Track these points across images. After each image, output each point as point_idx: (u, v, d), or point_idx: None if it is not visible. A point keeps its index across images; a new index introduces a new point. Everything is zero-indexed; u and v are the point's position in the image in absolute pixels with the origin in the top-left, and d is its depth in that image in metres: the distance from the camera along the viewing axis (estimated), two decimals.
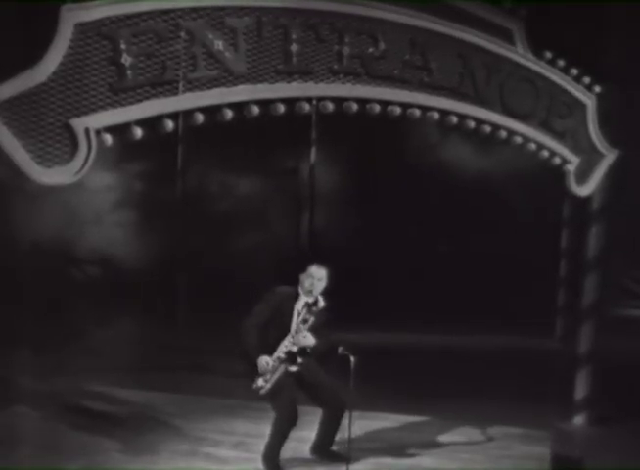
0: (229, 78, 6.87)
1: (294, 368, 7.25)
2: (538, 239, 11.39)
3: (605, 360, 8.94)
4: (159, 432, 8.22)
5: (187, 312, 12.05)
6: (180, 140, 11.55)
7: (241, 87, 6.92)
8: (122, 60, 6.44)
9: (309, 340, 7.24)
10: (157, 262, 11.36)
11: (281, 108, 7.12)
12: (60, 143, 6.31)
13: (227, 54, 6.82)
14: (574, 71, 8.41)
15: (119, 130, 6.52)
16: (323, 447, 7.62)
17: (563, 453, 7.74)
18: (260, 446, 7.39)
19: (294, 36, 7.05)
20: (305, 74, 7.17)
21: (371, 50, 7.37)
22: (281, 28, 7.01)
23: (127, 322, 10.57)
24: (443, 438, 8.43)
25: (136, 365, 9.73)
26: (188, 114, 6.77)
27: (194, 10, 6.69)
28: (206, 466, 7.51)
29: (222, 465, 7.55)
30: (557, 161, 8.48)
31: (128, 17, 6.47)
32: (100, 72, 6.39)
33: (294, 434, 7.31)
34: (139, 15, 6.50)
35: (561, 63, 8.34)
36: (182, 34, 6.65)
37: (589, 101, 8.56)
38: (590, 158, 8.65)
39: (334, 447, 7.60)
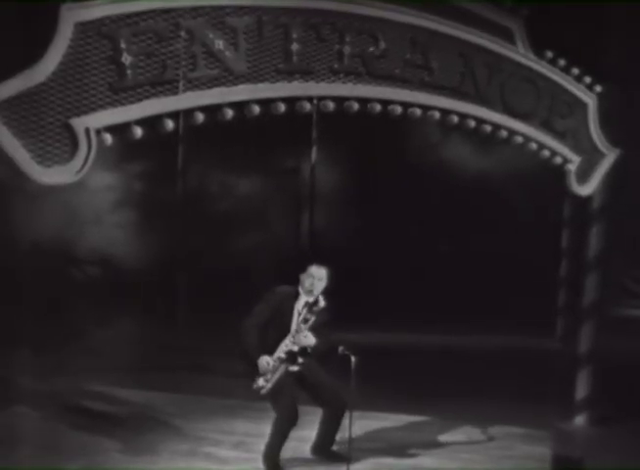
0: (229, 78, 6.86)
1: (294, 368, 7.24)
2: (539, 239, 11.37)
3: (605, 360, 8.94)
4: (159, 432, 8.21)
5: (187, 312, 12.03)
6: (180, 140, 11.52)
7: (241, 87, 6.92)
8: (122, 59, 6.44)
9: (310, 340, 7.23)
10: (157, 262, 11.34)
11: (281, 107, 7.12)
12: (60, 143, 6.30)
13: (227, 53, 6.82)
14: (575, 71, 8.40)
15: (119, 130, 6.51)
16: (323, 447, 7.61)
17: (563, 453, 7.73)
18: (261, 445, 7.39)
19: (294, 35, 7.04)
20: (306, 74, 7.16)
21: (372, 49, 7.37)
22: (281, 28, 7.00)
23: (127, 322, 10.56)
24: (444, 438, 8.42)
25: (136, 365, 9.72)
26: (188, 113, 6.77)
27: (194, 9, 6.69)
28: (207, 466, 7.51)
29: (222, 465, 7.54)
30: (558, 160, 8.48)
31: (128, 16, 6.46)
32: (100, 72, 6.39)
33: (294, 434, 7.31)
34: (139, 14, 6.50)
35: (562, 62, 8.34)
36: (182, 34, 6.64)
37: (590, 100, 8.56)
38: (591, 157, 8.65)
39: (334, 447, 7.60)
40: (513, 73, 8.07)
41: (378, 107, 7.50)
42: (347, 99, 7.39)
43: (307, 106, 7.25)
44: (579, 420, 8.93)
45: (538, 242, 11.39)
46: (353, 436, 6.99)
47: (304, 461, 7.57)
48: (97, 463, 7.43)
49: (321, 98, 7.29)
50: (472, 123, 7.96)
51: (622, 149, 8.76)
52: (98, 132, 6.39)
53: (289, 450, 7.39)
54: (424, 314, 11.19)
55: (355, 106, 7.42)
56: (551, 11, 8.81)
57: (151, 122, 6.60)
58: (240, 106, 6.94)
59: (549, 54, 8.28)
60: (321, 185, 12.27)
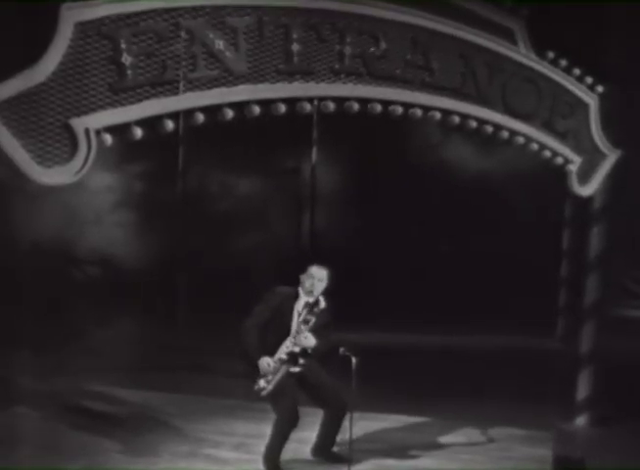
0: (230, 78, 6.85)
1: (296, 369, 7.23)
2: (540, 239, 11.35)
3: (606, 360, 8.94)
4: (159, 432, 8.20)
5: (187, 312, 12.02)
6: (180, 140, 11.51)
7: (241, 87, 6.91)
8: (122, 59, 6.43)
9: (310, 341, 7.22)
10: (157, 262, 11.33)
11: (282, 108, 7.11)
12: (60, 143, 6.29)
13: (228, 53, 6.81)
14: (577, 71, 8.40)
15: (119, 130, 6.50)
16: (324, 449, 7.60)
17: (564, 454, 7.73)
18: (261, 447, 7.38)
19: (295, 36, 7.03)
20: (307, 74, 7.16)
21: (372, 50, 7.36)
22: (282, 28, 6.99)
23: (127, 322, 10.55)
24: (444, 438, 8.41)
25: (136, 365, 9.71)
26: (188, 113, 6.76)
27: (194, 9, 6.68)
28: (207, 467, 7.50)
29: (222, 466, 7.54)
30: (559, 161, 8.47)
31: (128, 16, 6.46)
32: (100, 72, 6.38)
33: (294, 435, 7.30)
34: (139, 14, 6.49)
35: (563, 63, 8.33)
36: (182, 34, 6.63)
37: (591, 101, 8.55)
38: (592, 158, 8.64)
39: (335, 449, 7.59)
40: (514, 74, 8.06)
41: (378, 107, 7.49)
42: (348, 99, 7.38)
43: (308, 106, 7.24)
44: (580, 420, 8.92)
45: (539, 242, 11.37)
46: (354, 437, 6.98)
47: (305, 463, 7.56)
48: (97, 463, 7.43)
49: (321, 98, 7.28)
50: (473, 124, 7.96)
51: (623, 149, 8.76)
52: (98, 133, 6.38)
53: (289, 452, 7.38)
54: (424, 314, 11.18)
55: (356, 106, 7.41)
56: (552, 11, 8.79)
57: (151, 123, 6.60)
58: (240, 106, 6.93)
59: (550, 54, 8.27)
60: (321, 185, 12.27)
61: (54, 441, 7.75)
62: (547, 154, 8.39)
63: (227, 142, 10.45)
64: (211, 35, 6.73)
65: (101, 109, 6.40)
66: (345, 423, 7.15)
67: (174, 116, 6.69)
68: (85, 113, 6.35)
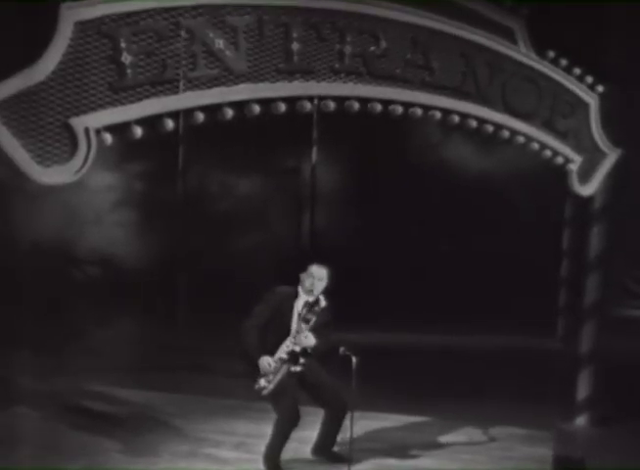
0: (230, 77, 6.85)
1: (296, 368, 7.22)
2: (540, 239, 11.33)
3: (606, 360, 8.94)
4: (159, 432, 8.20)
5: (187, 312, 12.00)
6: (180, 139, 11.50)
7: (242, 86, 6.91)
8: (122, 58, 6.42)
9: (310, 340, 7.21)
10: (157, 262, 11.32)
11: (282, 107, 7.11)
12: (59, 142, 6.29)
13: (228, 53, 6.81)
14: (577, 71, 8.39)
15: (119, 129, 6.50)
16: (324, 448, 7.59)
17: (564, 454, 7.72)
18: (261, 446, 7.37)
19: (295, 35, 7.03)
20: (307, 73, 7.15)
21: (372, 49, 7.36)
22: (282, 27, 6.99)
23: (127, 322, 10.54)
24: (444, 438, 8.41)
25: (136, 365, 9.71)
26: (188, 113, 6.76)
27: (194, 8, 6.68)
28: (207, 467, 7.49)
29: (223, 466, 7.53)
30: (559, 160, 8.47)
31: (128, 15, 6.46)
32: (100, 71, 6.38)
33: (295, 435, 7.29)
34: (139, 13, 6.49)
35: (563, 62, 8.34)
36: (182, 33, 6.63)
37: (592, 100, 8.55)
38: (593, 157, 8.64)
39: (335, 448, 7.58)
40: (514, 73, 8.06)
41: (379, 107, 7.49)
42: (348, 99, 7.38)
43: (308, 105, 7.24)
44: (580, 420, 8.92)
45: (539, 242, 11.35)
46: (354, 436, 6.98)
47: (305, 462, 7.56)
48: (97, 463, 7.43)
49: (322, 98, 7.28)
50: (473, 123, 7.95)
51: (624, 149, 8.76)
52: (98, 132, 6.38)
53: (290, 451, 7.38)
54: (424, 314, 11.17)
55: (356, 105, 7.41)
56: (553, 10, 8.79)
57: (151, 122, 6.60)
58: (240, 105, 6.92)
59: (551, 54, 8.27)
60: (322, 185, 12.25)
61: (54, 441, 7.75)
62: (547, 153, 8.39)
63: (227, 141, 10.43)
64: (211, 34, 6.73)
65: (101, 108, 6.40)
66: (346, 423, 7.15)
67: (174, 115, 6.69)
68: (85, 112, 6.35)
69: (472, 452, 8.07)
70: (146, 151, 10.16)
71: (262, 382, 7.13)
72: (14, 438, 7.64)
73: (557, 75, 8.30)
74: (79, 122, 6.32)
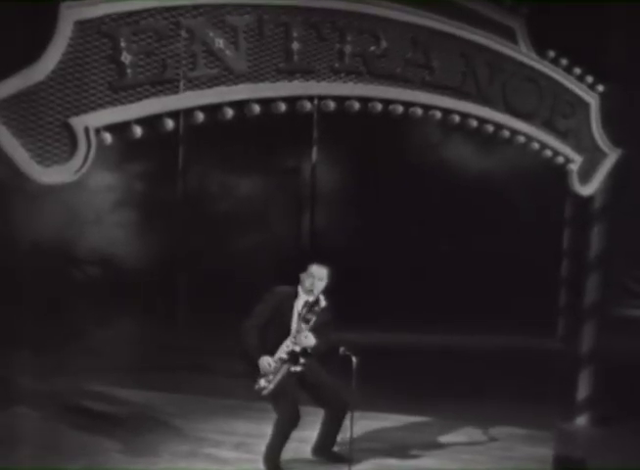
0: (230, 77, 6.84)
1: (297, 368, 7.21)
2: (540, 238, 11.34)
3: (607, 360, 8.93)
4: (159, 432, 8.19)
5: (187, 312, 12.01)
6: (180, 139, 11.50)
7: (242, 86, 6.90)
8: (122, 58, 6.42)
9: (310, 340, 7.20)
10: (157, 262, 11.32)
11: (282, 107, 7.10)
12: (59, 142, 6.29)
13: (228, 52, 6.80)
14: (577, 71, 8.39)
15: (119, 129, 6.49)
16: (325, 448, 7.59)
17: (565, 454, 7.72)
18: (261, 446, 7.37)
19: (295, 34, 7.02)
20: (307, 73, 7.14)
21: (373, 48, 7.35)
22: (282, 26, 6.98)
23: (127, 322, 10.54)
24: (445, 438, 8.41)
25: (136, 365, 9.71)
26: (188, 112, 6.75)
27: (194, 8, 6.67)
28: (207, 467, 7.49)
29: (223, 466, 7.53)
30: (560, 160, 8.46)
31: (128, 14, 6.45)
32: (100, 71, 6.37)
33: (295, 434, 7.29)
34: (139, 12, 6.48)
35: (564, 62, 8.33)
36: (182, 32, 6.62)
37: (592, 100, 8.55)
38: (593, 157, 8.63)
39: (335, 448, 7.57)
40: (515, 73, 8.05)
41: (379, 106, 7.48)
42: (348, 98, 7.37)
43: (308, 105, 7.23)
44: (581, 420, 8.92)
45: (540, 242, 11.36)
46: (354, 436, 6.97)
47: (305, 462, 7.56)
48: (97, 463, 7.42)
49: (322, 97, 7.27)
50: (473, 123, 7.94)
51: (624, 149, 8.75)
52: (97, 131, 6.37)
53: (290, 451, 7.37)
54: (424, 314, 11.17)
55: (356, 105, 7.40)
56: (553, 10, 8.79)
57: (151, 122, 6.59)
58: (240, 105, 6.92)
59: (551, 53, 8.27)
60: (322, 185, 12.25)
61: (54, 441, 7.74)
62: (548, 153, 8.38)
63: (227, 141, 10.44)
64: (211, 34, 6.72)
65: (100, 107, 6.39)
66: (346, 423, 7.15)
67: (174, 114, 6.67)
68: (85, 111, 6.34)
69: (472, 452, 8.06)
70: (146, 151, 10.17)
71: (262, 382, 7.12)
72: (14, 438, 7.63)
73: (557, 75, 8.30)
74: (79, 122, 6.31)
